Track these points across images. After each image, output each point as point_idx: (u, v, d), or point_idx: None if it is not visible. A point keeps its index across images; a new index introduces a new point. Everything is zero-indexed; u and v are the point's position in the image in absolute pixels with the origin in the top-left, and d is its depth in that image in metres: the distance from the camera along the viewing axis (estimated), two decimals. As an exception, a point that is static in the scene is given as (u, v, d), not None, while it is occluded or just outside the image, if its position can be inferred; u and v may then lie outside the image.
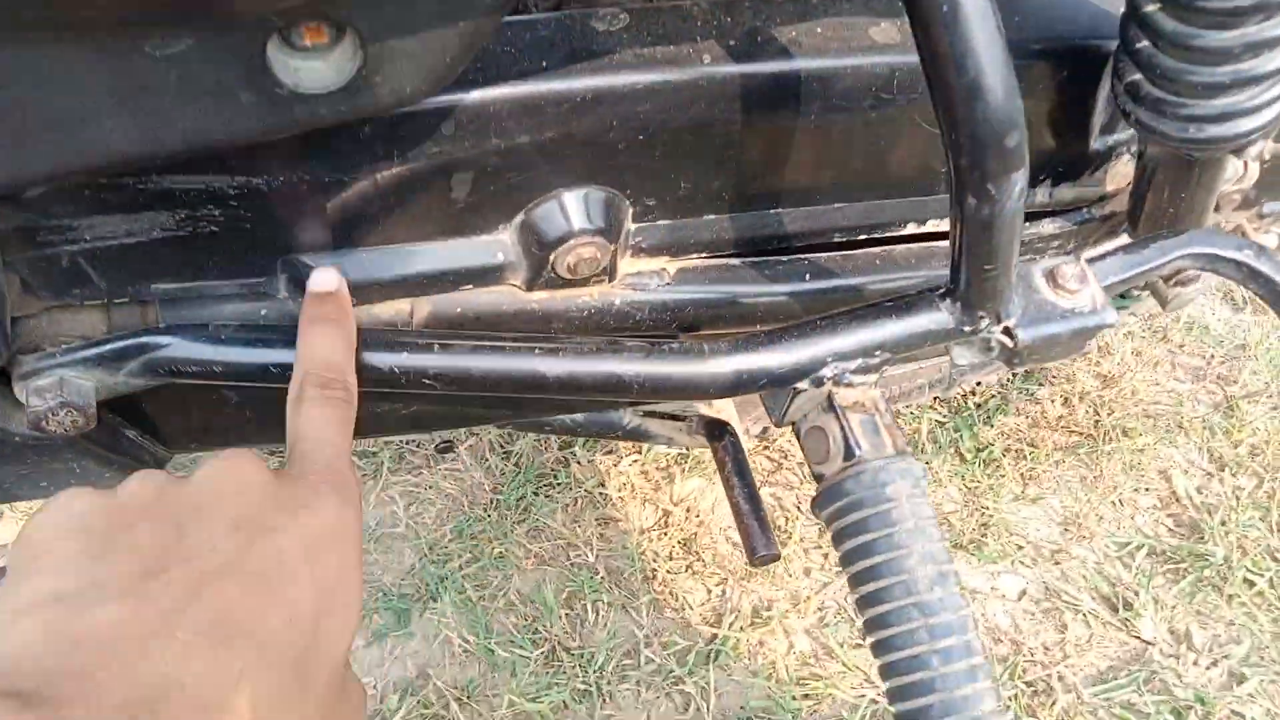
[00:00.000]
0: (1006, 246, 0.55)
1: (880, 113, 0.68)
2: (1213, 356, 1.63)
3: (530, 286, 0.66)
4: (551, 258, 0.64)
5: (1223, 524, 1.32)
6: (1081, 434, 1.49)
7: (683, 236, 0.71)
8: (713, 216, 0.71)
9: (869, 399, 0.61)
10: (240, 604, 0.39)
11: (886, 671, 0.56)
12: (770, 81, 0.63)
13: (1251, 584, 1.23)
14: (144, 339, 0.57)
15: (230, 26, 0.40)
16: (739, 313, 0.74)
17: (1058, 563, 1.28)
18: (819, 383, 0.59)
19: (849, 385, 0.60)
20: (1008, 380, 1.57)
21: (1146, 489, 1.40)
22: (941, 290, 0.63)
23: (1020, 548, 1.30)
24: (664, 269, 0.71)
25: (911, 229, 0.81)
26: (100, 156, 0.42)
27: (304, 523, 0.43)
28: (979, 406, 1.52)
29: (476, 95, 0.56)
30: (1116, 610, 1.21)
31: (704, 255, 0.73)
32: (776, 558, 0.75)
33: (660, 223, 0.69)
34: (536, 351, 0.57)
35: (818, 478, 0.59)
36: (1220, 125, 0.63)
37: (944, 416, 1.50)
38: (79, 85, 0.39)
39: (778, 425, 0.64)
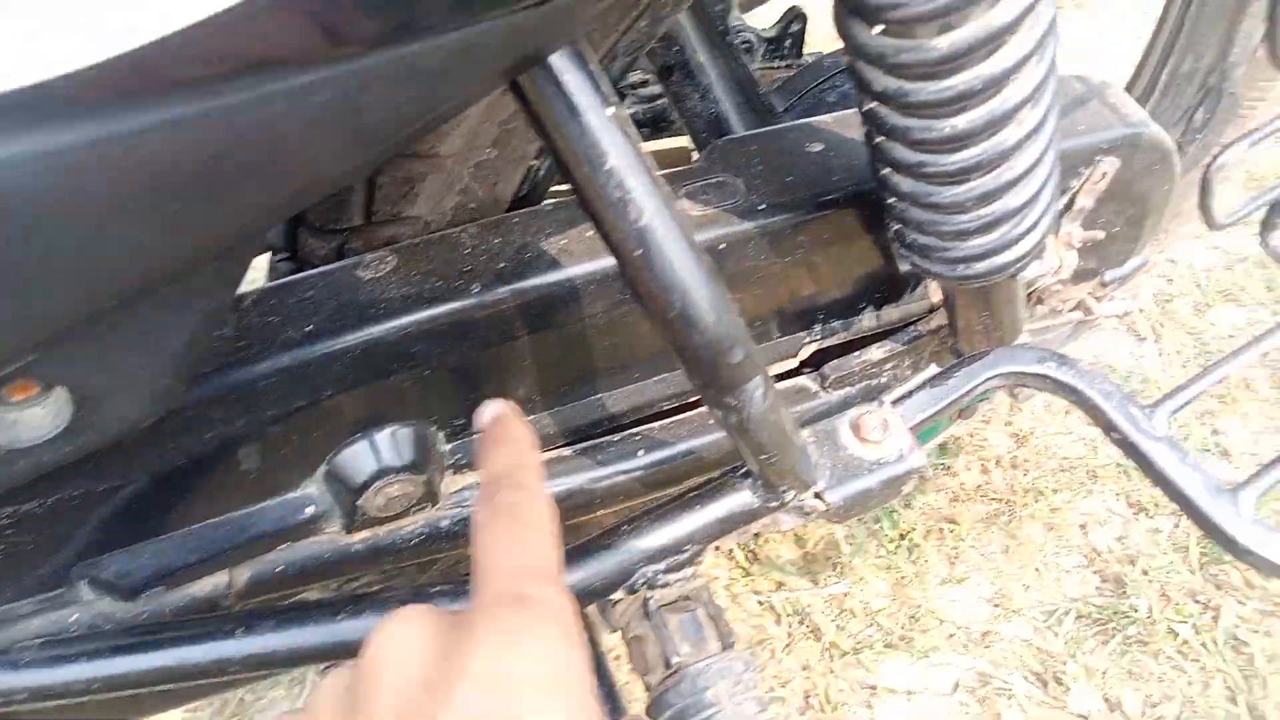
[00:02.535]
0: (774, 437, 0.56)
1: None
2: (1118, 395, 1.65)
3: (350, 530, 0.66)
4: (360, 501, 0.64)
5: (1145, 573, 1.33)
6: (1000, 500, 1.49)
7: (503, 443, 0.71)
8: (532, 417, 0.72)
9: (689, 590, 0.61)
10: None
11: None
12: (547, 293, 0.64)
13: (1175, 634, 1.23)
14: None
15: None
16: (578, 503, 0.74)
17: (988, 645, 1.27)
18: (633, 590, 0.59)
19: (664, 586, 0.60)
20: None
21: (1069, 548, 1.40)
22: (742, 470, 0.63)
23: (951, 635, 1.29)
24: (490, 478, 0.72)
25: (742, 380, 0.82)
26: None
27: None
28: (896, 490, 1.52)
29: (240, 374, 0.56)
30: (1047, 686, 1.20)
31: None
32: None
33: (475, 434, 0.70)
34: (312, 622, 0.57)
35: (647, 688, 0.59)
36: (984, 262, 0.66)
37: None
38: None
39: (612, 632, 0.63)
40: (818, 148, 0.76)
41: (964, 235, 0.63)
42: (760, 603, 1.37)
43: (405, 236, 0.68)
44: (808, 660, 1.28)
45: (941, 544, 1.43)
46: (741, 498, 0.63)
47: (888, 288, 0.84)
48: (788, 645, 1.31)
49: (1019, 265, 0.67)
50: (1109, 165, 0.82)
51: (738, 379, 0.50)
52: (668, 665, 0.57)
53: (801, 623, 1.33)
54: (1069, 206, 0.84)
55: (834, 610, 1.35)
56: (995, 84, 0.51)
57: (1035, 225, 0.65)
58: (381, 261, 0.63)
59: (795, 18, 1.13)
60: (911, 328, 0.88)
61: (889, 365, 0.88)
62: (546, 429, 0.73)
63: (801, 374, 0.89)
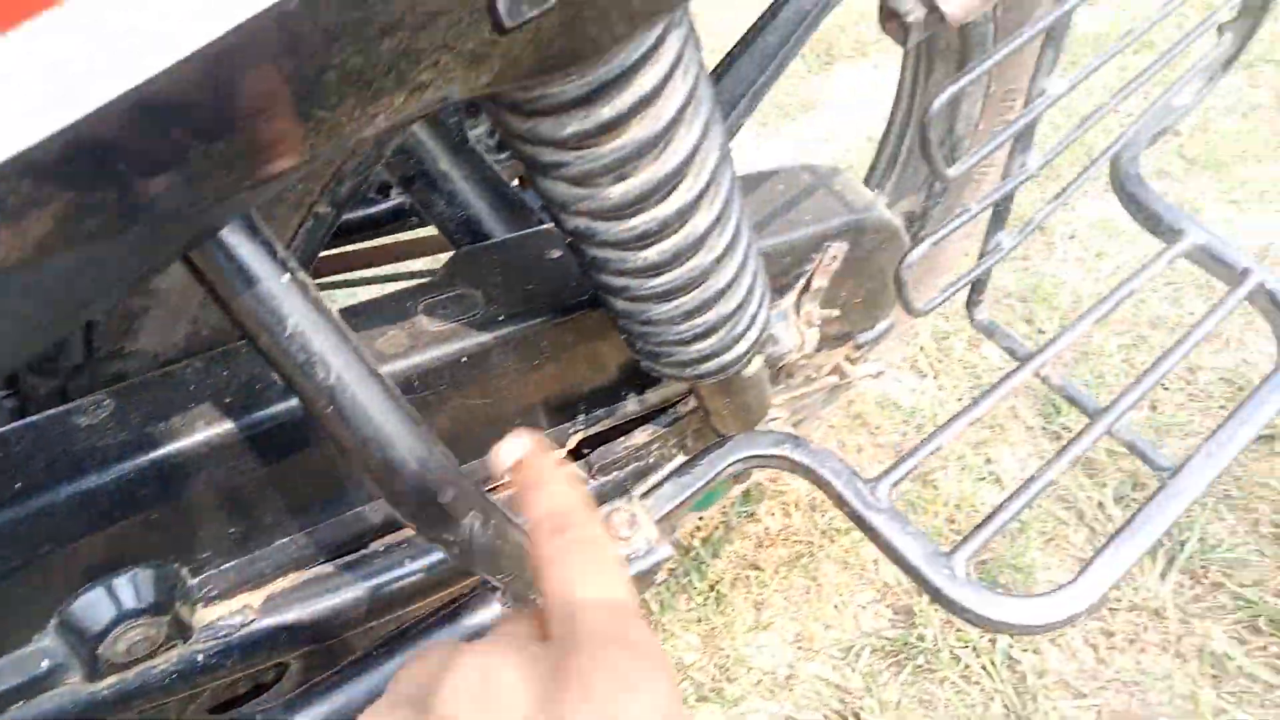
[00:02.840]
0: (508, 557, 0.59)
1: (428, 403, 0.71)
2: (906, 432, 1.76)
3: (93, 679, 0.64)
4: (100, 649, 0.62)
5: (931, 602, 1.42)
6: (802, 543, 1.56)
7: (258, 568, 0.71)
8: (285, 539, 0.72)
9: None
10: None
11: None
12: (281, 422, 0.64)
13: (959, 659, 1.32)
14: None
15: None
16: (346, 619, 0.74)
17: (792, 688, 1.33)
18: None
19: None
20: (728, 505, 1.64)
21: (864, 584, 1.48)
22: (489, 584, 0.65)
23: (758, 681, 1.34)
24: (246, 605, 0.71)
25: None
26: None
27: None
28: (705, 541, 1.58)
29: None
30: (846, 724, 1.27)
31: (290, 573, 0.73)
32: None
33: (225, 565, 0.69)
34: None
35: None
36: (707, 363, 0.70)
37: (671, 561, 1.55)
38: None
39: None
40: (558, 254, 0.79)
41: (682, 343, 0.67)
42: (576, 668, 1.38)
43: (134, 371, 0.67)
44: (623, 722, 1.31)
45: (748, 591, 1.49)
46: (491, 610, 0.65)
47: (646, 375, 0.88)
48: (603, 709, 1.32)
49: (741, 363, 0.72)
50: (838, 249, 0.89)
51: (452, 517, 0.52)
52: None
53: (616, 684, 1.36)
54: (806, 288, 0.91)
55: (647, 668, 1.38)
56: (674, 222, 0.56)
57: (749, 327, 0.70)
58: (98, 406, 0.62)
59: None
60: (672, 409, 0.92)
61: (654, 446, 0.92)
62: (303, 550, 0.73)
63: (576, 461, 0.92)
